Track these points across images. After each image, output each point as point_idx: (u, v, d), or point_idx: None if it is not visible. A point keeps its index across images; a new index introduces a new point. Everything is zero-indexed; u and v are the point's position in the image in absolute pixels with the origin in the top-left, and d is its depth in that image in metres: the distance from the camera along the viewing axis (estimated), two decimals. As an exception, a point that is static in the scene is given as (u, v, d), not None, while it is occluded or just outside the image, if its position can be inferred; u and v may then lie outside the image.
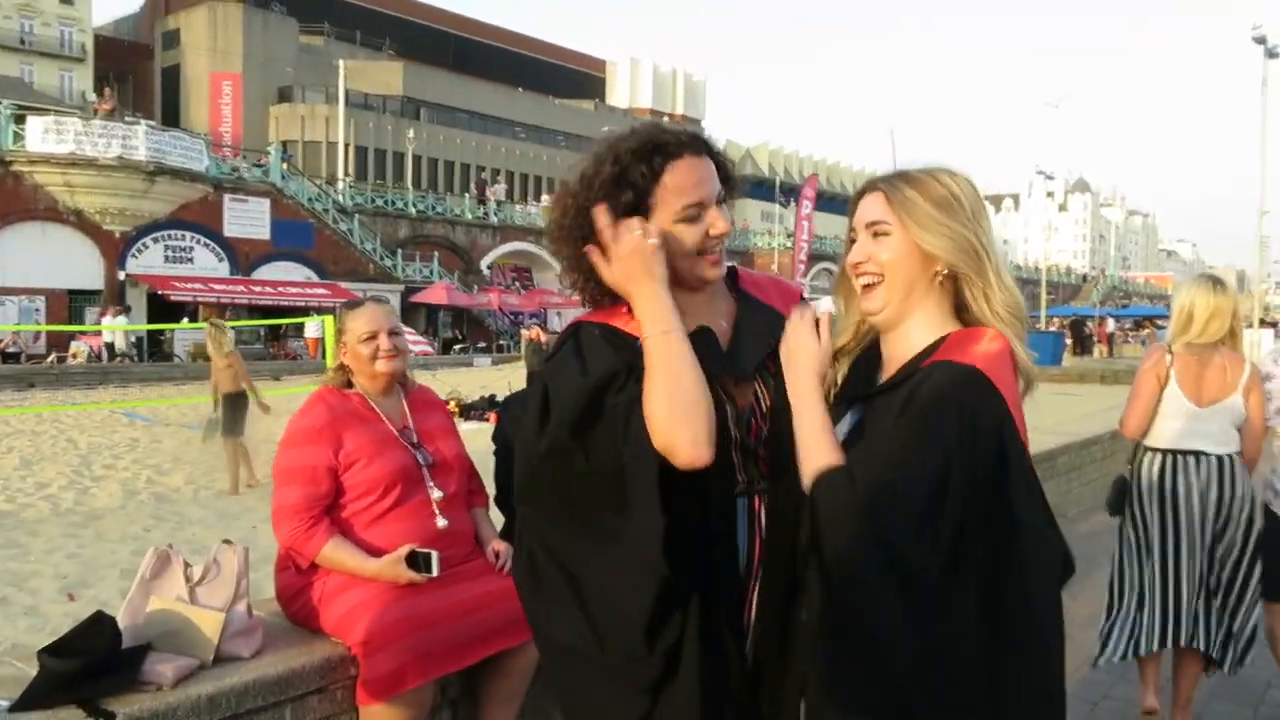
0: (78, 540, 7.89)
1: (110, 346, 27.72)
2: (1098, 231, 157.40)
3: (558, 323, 39.65)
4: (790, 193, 62.11)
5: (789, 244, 51.65)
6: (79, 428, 15.06)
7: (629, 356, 1.60)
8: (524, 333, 18.33)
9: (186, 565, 2.67)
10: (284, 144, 42.40)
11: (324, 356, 27.61)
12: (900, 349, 1.59)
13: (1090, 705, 4.07)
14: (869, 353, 1.67)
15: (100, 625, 2.40)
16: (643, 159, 1.64)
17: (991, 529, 1.37)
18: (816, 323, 1.58)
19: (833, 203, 51.08)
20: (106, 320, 27.62)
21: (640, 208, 1.64)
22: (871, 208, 1.58)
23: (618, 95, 68.93)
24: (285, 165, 36.07)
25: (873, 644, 1.36)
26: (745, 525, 1.66)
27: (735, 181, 1.76)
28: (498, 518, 3.31)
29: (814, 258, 36.19)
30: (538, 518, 1.67)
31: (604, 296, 1.71)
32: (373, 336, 2.97)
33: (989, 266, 1.54)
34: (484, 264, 42.91)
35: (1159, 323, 24.55)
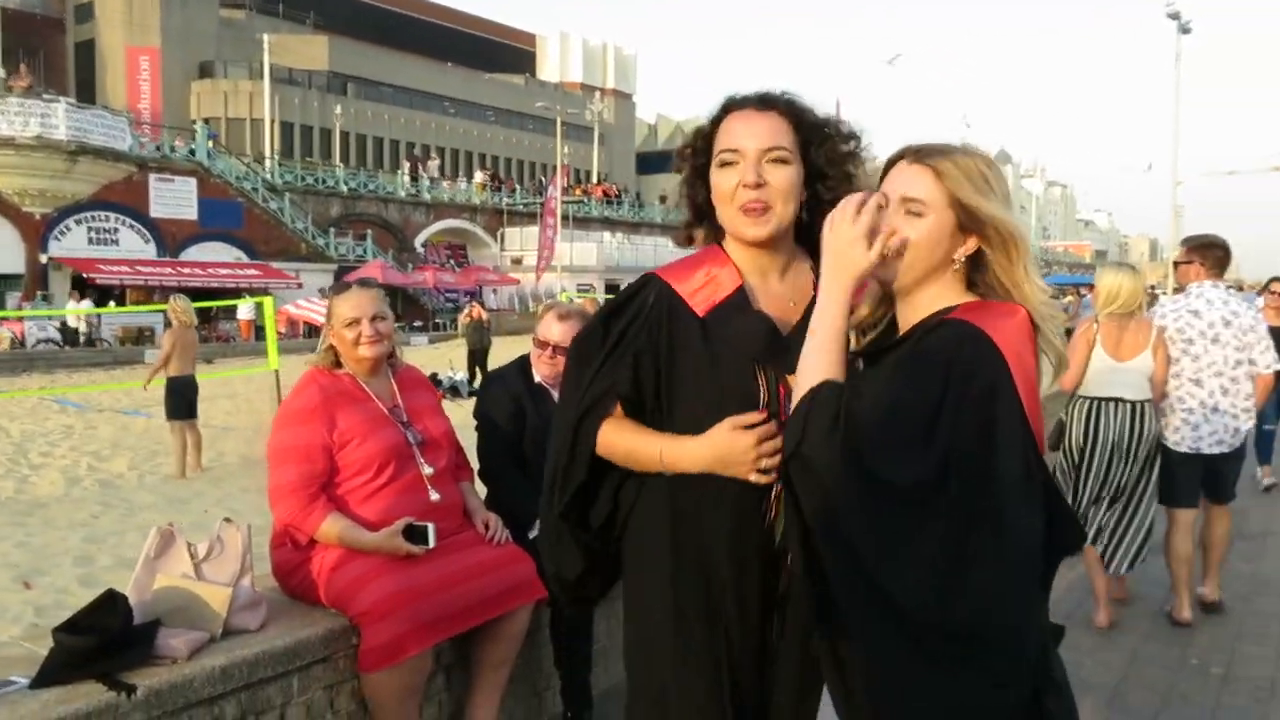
0: (25, 529, 7.77)
1: (74, 331, 27.07)
2: (1019, 202, 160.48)
3: (494, 300, 39.48)
4: (722, 167, 62.27)
5: (723, 218, 51.91)
6: (8, 415, 14.66)
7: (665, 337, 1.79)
8: (462, 315, 18.24)
9: (190, 544, 2.75)
10: (207, 121, 41.27)
11: (258, 339, 27.20)
12: (913, 317, 1.63)
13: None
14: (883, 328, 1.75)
15: (113, 603, 2.47)
16: (717, 111, 1.84)
17: (971, 489, 1.40)
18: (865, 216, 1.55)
19: (765, 176, 51.32)
20: (71, 305, 27.01)
21: (706, 150, 1.84)
22: (915, 183, 1.57)
23: (548, 69, 68.28)
24: (212, 143, 35.15)
25: (850, 552, 1.42)
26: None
27: (836, 138, 1.82)
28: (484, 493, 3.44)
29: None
30: None
31: (686, 235, 1.94)
32: (355, 322, 3.06)
33: (1026, 253, 1.58)
34: (418, 242, 42.43)
35: (1082, 291, 25.26)
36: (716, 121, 1.84)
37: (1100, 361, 4.60)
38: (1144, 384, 4.58)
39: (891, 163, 1.66)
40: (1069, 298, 42.25)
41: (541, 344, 3.53)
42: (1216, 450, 4.63)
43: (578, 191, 52.33)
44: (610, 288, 42.50)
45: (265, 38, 45.47)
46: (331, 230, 37.51)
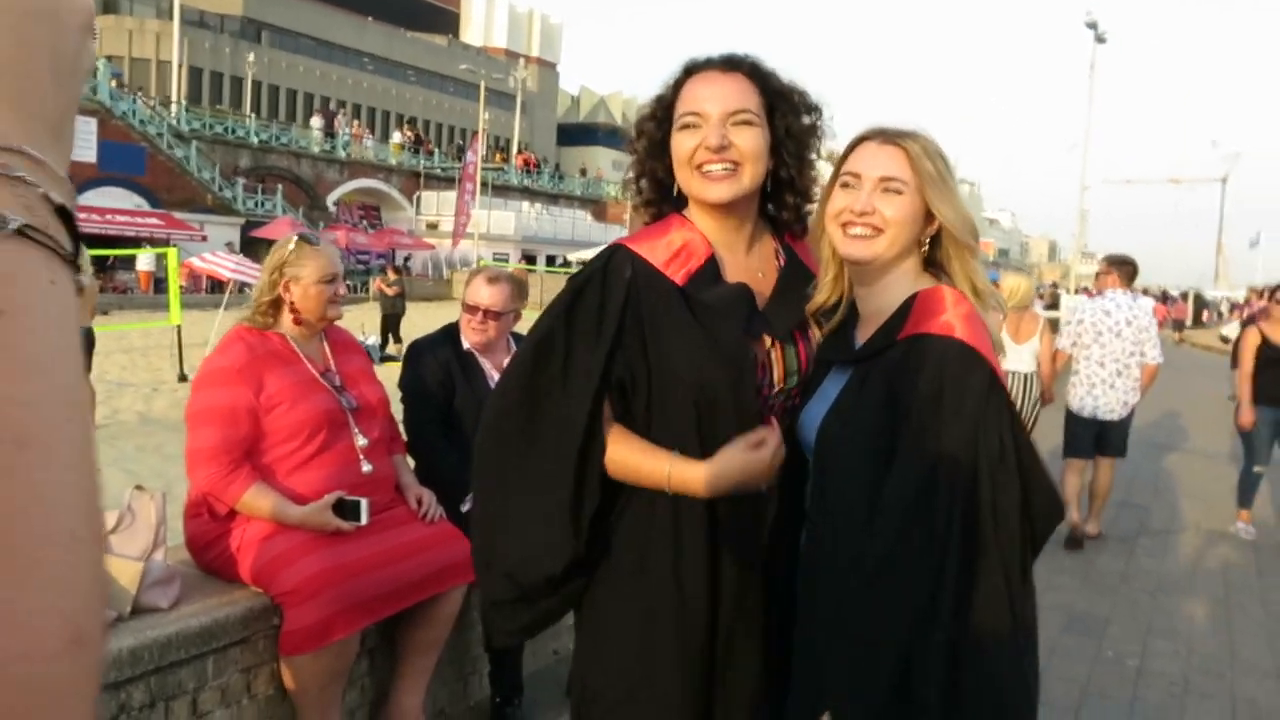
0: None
1: None
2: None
3: (423, 266, 38.70)
4: (644, 143, 62.09)
5: (642, 195, 51.78)
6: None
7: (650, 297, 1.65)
8: (374, 283, 17.77)
9: (97, 512, 2.52)
10: (109, 59, 39.26)
11: (158, 291, 26.05)
12: (877, 303, 1.65)
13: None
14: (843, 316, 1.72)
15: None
16: (678, 74, 1.72)
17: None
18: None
19: (686, 156, 51.31)
20: None
21: (666, 118, 1.71)
22: (890, 163, 1.60)
23: (472, 32, 66.85)
24: (114, 83, 33.44)
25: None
26: None
27: (800, 107, 1.73)
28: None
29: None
30: None
31: (654, 210, 1.77)
32: (332, 279, 2.86)
33: (975, 245, 1.62)
34: (330, 200, 41.21)
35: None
36: (677, 85, 1.73)
37: (1004, 343, 5.39)
38: (1033, 360, 5.97)
39: (856, 143, 1.67)
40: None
41: (471, 309, 3.37)
42: (1110, 417, 6.16)
43: (498, 159, 51.53)
44: (527, 257, 42.10)
45: (176, -24, 43.45)
46: (239, 183, 36.14)
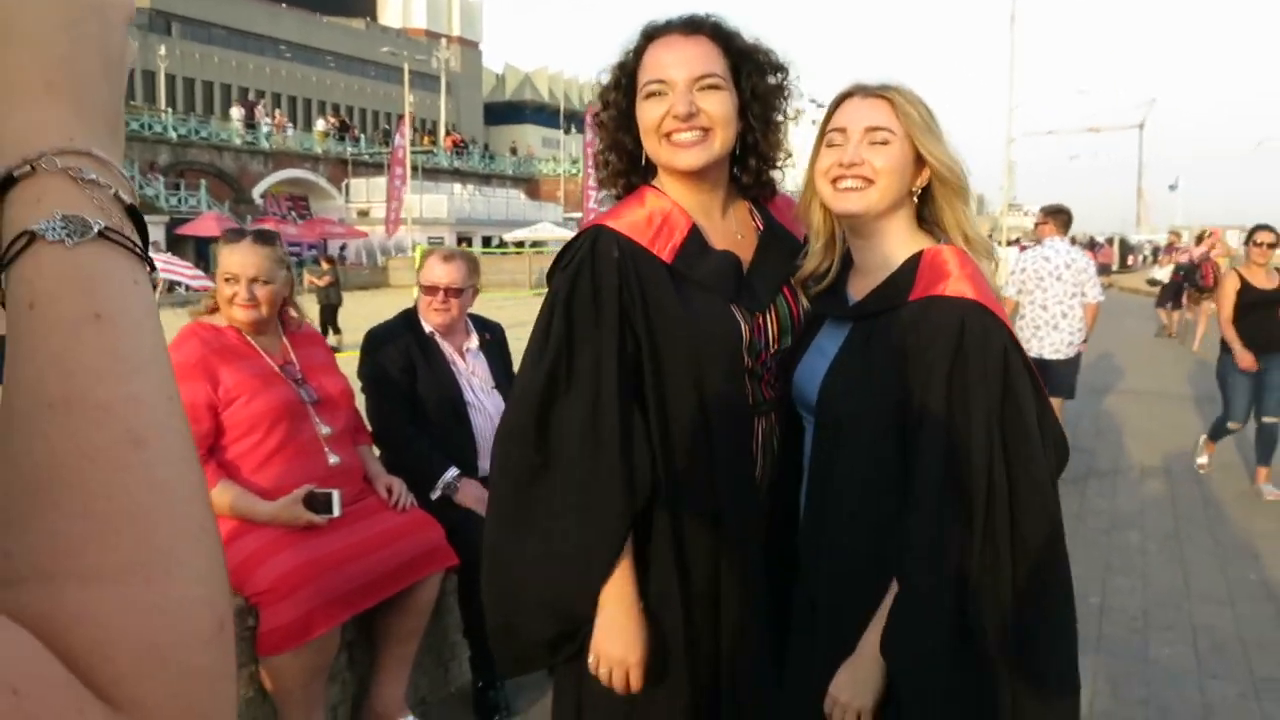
0: None
1: None
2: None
3: (356, 254, 38.04)
4: (572, 118, 61.70)
5: (573, 170, 51.53)
6: None
7: (642, 272, 1.61)
8: (309, 277, 17.33)
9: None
10: (12, 59, 37.76)
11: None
12: (874, 257, 1.64)
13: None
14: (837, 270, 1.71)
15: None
16: (637, 39, 1.67)
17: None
18: None
19: (616, 129, 50.93)
20: None
21: (630, 86, 1.66)
22: (875, 113, 1.59)
23: (390, 14, 65.58)
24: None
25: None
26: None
27: (765, 66, 1.69)
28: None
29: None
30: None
31: (624, 181, 1.73)
32: (233, 279, 2.77)
33: (966, 190, 1.62)
34: (256, 193, 40.28)
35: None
36: (638, 51, 1.68)
37: None
38: None
39: (839, 100, 1.65)
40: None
41: (430, 289, 3.32)
42: (1055, 356, 6.34)
43: (426, 142, 50.78)
44: (462, 240, 41.61)
45: (77, -31, 41.81)
46: (161, 180, 35.13)
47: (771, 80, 1.71)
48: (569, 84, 73.23)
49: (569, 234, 41.11)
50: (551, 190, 53.70)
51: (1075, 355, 6.46)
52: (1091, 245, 35.86)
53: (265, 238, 2.87)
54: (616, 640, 1.59)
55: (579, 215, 37.46)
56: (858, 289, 1.66)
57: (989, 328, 1.51)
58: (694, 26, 1.65)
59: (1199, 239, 16.57)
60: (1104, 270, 33.25)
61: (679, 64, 1.62)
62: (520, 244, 39.23)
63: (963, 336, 1.49)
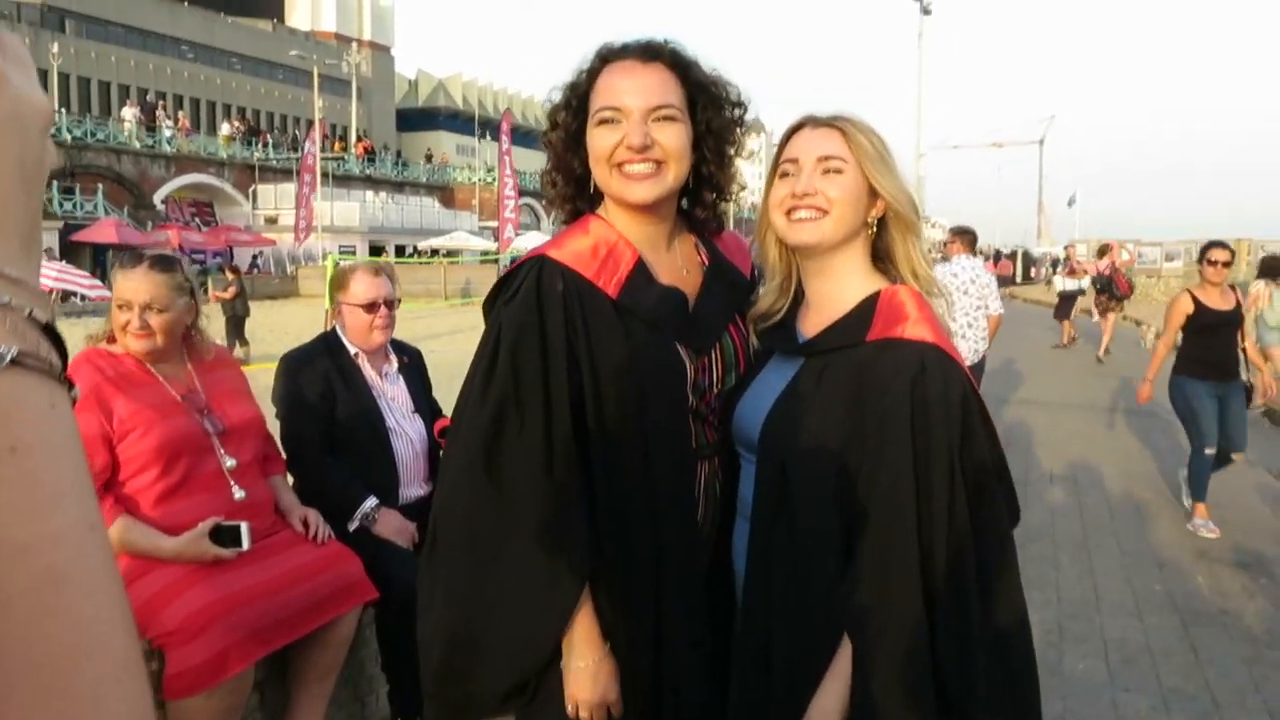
0: None
1: None
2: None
3: (265, 263, 37.01)
4: (486, 125, 61.18)
5: (489, 178, 51.11)
6: None
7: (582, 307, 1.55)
8: (214, 291, 16.60)
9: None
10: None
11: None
12: (829, 292, 1.61)
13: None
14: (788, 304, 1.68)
15: None
16: (592, 61, 1.61)
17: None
18: None
19: (528, 137, 50.82)
20: None
21: (581, 109, 1.60)
22: (827, 143, 1.57)
23: (298, 16, 64.16)
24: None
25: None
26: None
27: (721, 100, 1.64)
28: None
29: (521, 193, 36.06)
30: None
31: (570, 207, 1.67)
32: (126, 306, 2.62)
33: (918, 225, 1.60)
34: (158, 198, 38.91)
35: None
36: (592, 74, 1.62)
37: None
38: None
39: (791, 132, 1.63)
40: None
41: (370, 306, 3.20)
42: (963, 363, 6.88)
43: (337, 148, 49.78)
44: (375, 249, 40.90)
45: (-38, -39, 40.03)
46: (55, 184, 33.69)
47: (728, 114, 1.67)
48: (483, 91, 72.70)
49: (485, 243, 40.79)
50: (466, 198, 53.15)
51: (980, 361, 7.02)
52: (997, 257, 37.10)
53: (164, 263, 2.70)
54: (592, 683, 1.53)
55: (494, 224, 37.15)
56: (809, 325, 1.63)
57: (949, 372, 1.48)
58: (652, 54, 1.59)
59: (1100, 252, 17.32)
60: (1004, 282, 34.38)
61: (635, 92, 1.56)
62: (435, 252, 38.74)
63: (924, 380, 1.46)
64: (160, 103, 46.26)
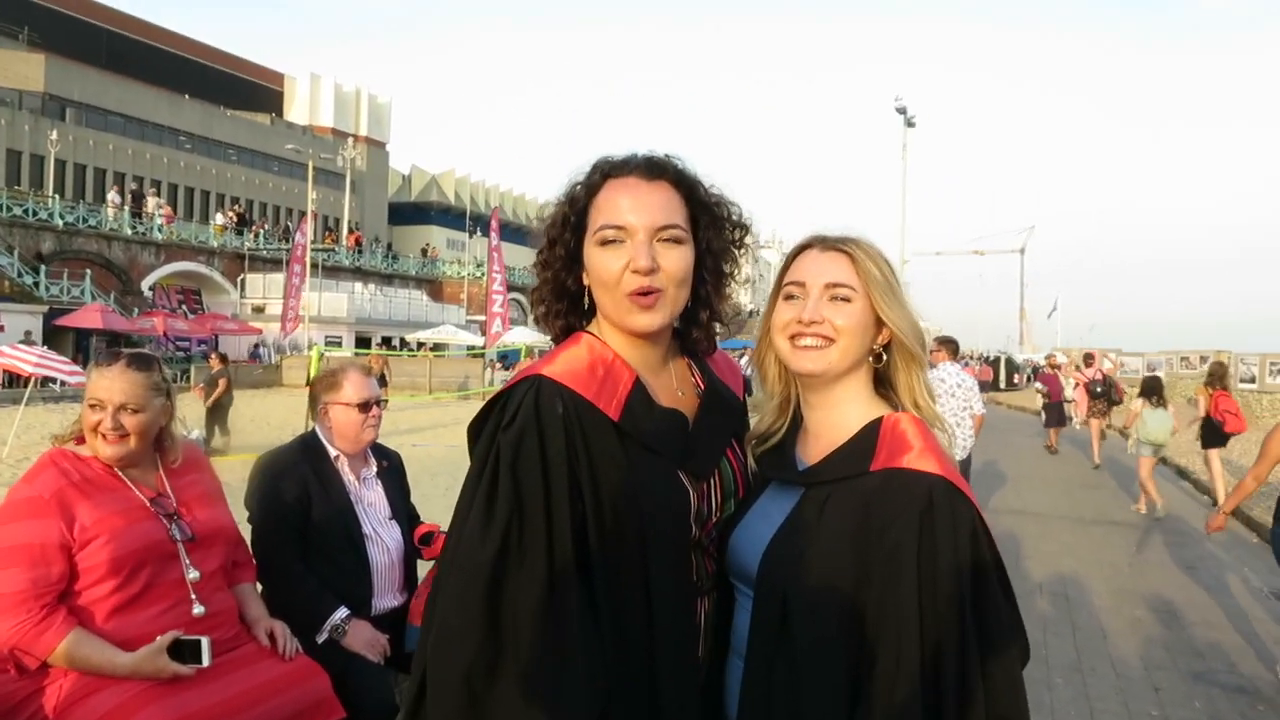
0: None
1: None
2: (759, 272, 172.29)
3: (243, 351, 36.89)
4: (477, 220, 61.82)
5: (478, 273, 51.48)
6: None
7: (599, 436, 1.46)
8: (198, 389, 16.27)
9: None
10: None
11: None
12: (830, 419, 1.54)
13: None
14: (786, 430, 1.61)
15: None
16: (591, 174, 1.53)
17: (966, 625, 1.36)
18: None
19: (517, 234, 51.32)
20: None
21: (579, 225, 1.52)
22: (835, 269, 1.51)
23: (297, 111, 65.36)
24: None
25: None
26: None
27: (725, 221, 1.59)
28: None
29: (510, 288, 36.24)
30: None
31: (562, 323, 1.58)
32: (99, 406, 2.52)
33: (923, 357, 1.54)
34: (145, 285, 38.95)
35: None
36: (591, 190, 1.54)
37: None
38: None
39: (797, 252, 1.58)
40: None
41: (363, 406, 3.13)
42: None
43: (328, 239, 50.19)
44: (361, 340, 40.88)
45: (-32, 50, 40.80)
46: (43, 268, 33.70)
47: (728, 235, 1.60)
48: (475, 187, 73.79)
49: (473, 337, 40.71)
50: (455, 292, 53.45)
51: (967, 458, 7.87)
52: (985, 360, 37.44)
53: (142, 362, 2.61)
54: None
55: (482, 318, 37.24)
56: (809, 452, 1.55)
57: (957, 506, 1.40)
58: (656, 171, 1.52)
59: (1086, 360, 17.74)
60: (985, 388, 34.65)
61: (639, 210, 1.48)
62: (421, 345, 38.74)
63: (932, 514, 1.38)
64: (153, 191, 46.68)
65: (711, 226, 1.57)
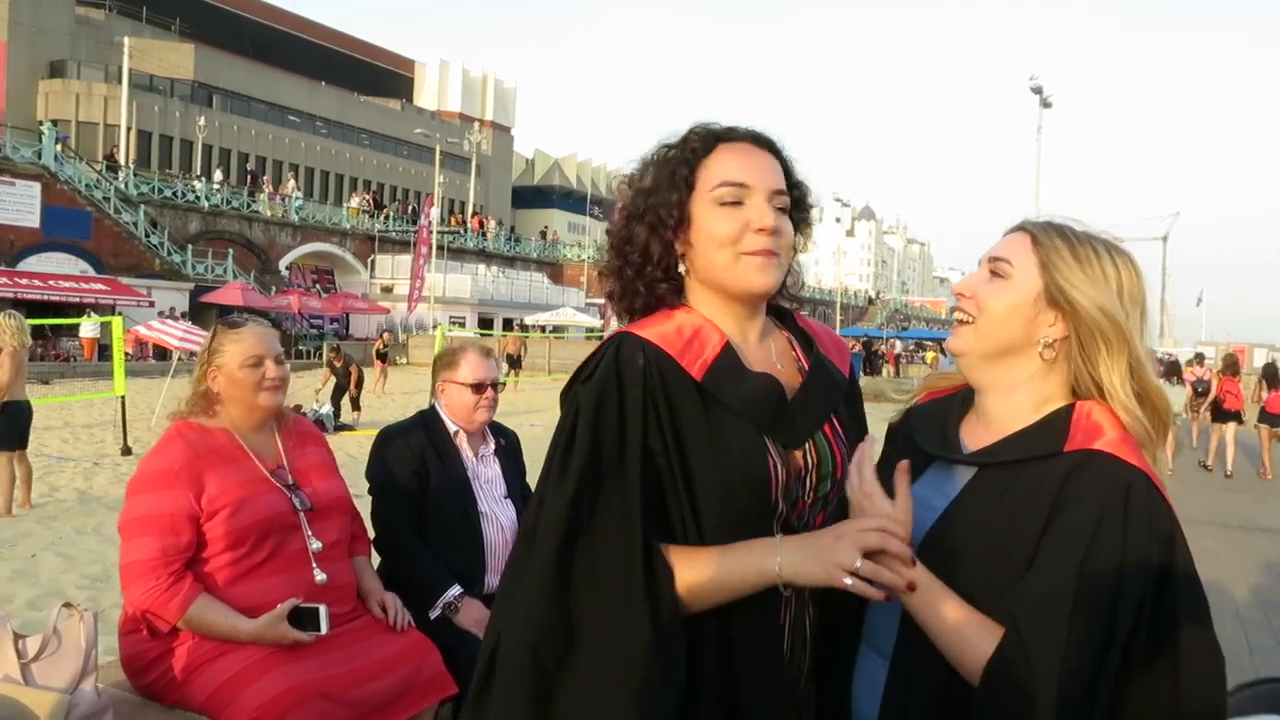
0: None
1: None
2: (880, 257, 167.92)
3: (371, 329, 38.23)
4: (598, 203, 62.49)
5: (598, 256, 51.83)
6: None
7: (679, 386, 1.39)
8: (322, 377, 17.03)
9: (18, 637, 2.21)
10: (54, 123, 38.72)
11: (101, 358, 25.29)
12: (1002, 407, 1.42)
13: None
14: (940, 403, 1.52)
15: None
16: (701, 138, 1.47)
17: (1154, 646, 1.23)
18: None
19: (641, 218, 51.48)
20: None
21: (687, 182, 1.44)
22: (1005, 246, 1.44)
23: (425, 96, 67.22)
24: (60, 147, 32.89)
25: None
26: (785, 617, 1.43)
27: (806, 204, 1.55)
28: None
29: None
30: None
31: (647, 300, 1.49)
32: (259, 362, 2.59)
33: (1130, 349, 1.36)
34: (283, 264, 40.73)
35: (944, 345, 26.41)
36: (705, 150, 1.46)
37: None
38: None
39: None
40: (930, 353, 44.38)
41: (478, 387, 3.14)
42: None
43: (454, 222, 51.44)
44: (484, 321, 41.78)
45: (126, 40, 43.22)
46: (189, 248, 35.59)
47: (806, 216, 1.56)
48: (596, 171, 74.47)
49: (591, 320, 41.16)
50: (575, 275, 54.08)
51: None
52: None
53: (260, 322, 2.74)
54: None
55: (600, 301, 37.56)
56: (981, 434, 1.43)
57: (1157, 505, 1.26)
58: (763, 141, 1.48)
59: (1227, 365, 15.89)
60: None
61: (758, 171, 1.43)
62: (542, 327, 39.36)
63: (1128, 506, 1.24)
64: (292, 175, 48.70)
65: (798, 205, 1.52)
